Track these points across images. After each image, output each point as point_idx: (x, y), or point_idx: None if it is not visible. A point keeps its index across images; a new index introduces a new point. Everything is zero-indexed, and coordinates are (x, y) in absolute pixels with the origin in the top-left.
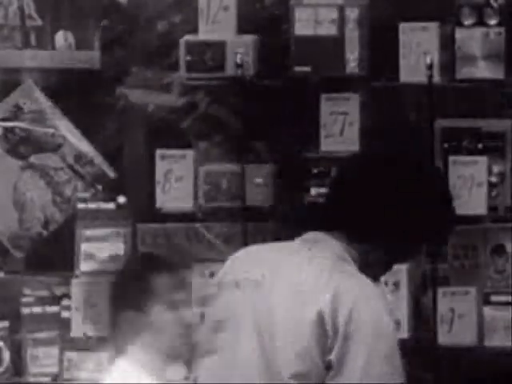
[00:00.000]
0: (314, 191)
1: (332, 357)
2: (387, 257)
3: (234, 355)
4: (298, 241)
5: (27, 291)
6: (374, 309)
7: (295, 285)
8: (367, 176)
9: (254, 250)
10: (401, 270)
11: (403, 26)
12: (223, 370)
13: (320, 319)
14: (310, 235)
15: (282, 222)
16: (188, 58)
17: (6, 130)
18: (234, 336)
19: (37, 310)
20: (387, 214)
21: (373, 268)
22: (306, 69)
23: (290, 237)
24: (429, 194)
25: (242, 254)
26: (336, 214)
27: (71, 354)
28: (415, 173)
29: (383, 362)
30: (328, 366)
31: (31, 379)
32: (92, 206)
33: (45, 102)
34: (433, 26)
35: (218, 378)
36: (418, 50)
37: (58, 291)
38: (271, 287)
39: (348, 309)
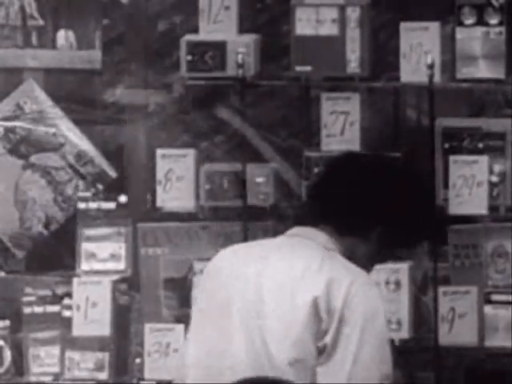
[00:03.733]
0: None
1: (327, 340)
2: (373, 251)
3: (222, 346)
4: (282, 236)
5: (28, 290)
6: (369, 294)
7: (285, 273)
8: (353, 171)
9: (239, 248)
10: (402, 269)
11: (404, 26)
12: (211, 360)
13: (314, 305)
14: (295, 230)
15: (282, 220)
16: (189, 57)
17: (7, 129)
18: (221, 326)
19: (38, 309)
20: (373, 208)
21: (359, 262)
22: (307, 68)
23: None
24: (411, 190)
25: (229, 250)
26: (322, 209)
27: (72, 354)
28: (399, 170)
29: (374, 347)
30: (322, 350)
31: (32, 379)
32: (93, 205)
33: (46, 102)
34: (433, 26)
35: (207, 368)
36: (418, 49)
37: (59, 290)
38: (260, 279)
39: (343, 293)
